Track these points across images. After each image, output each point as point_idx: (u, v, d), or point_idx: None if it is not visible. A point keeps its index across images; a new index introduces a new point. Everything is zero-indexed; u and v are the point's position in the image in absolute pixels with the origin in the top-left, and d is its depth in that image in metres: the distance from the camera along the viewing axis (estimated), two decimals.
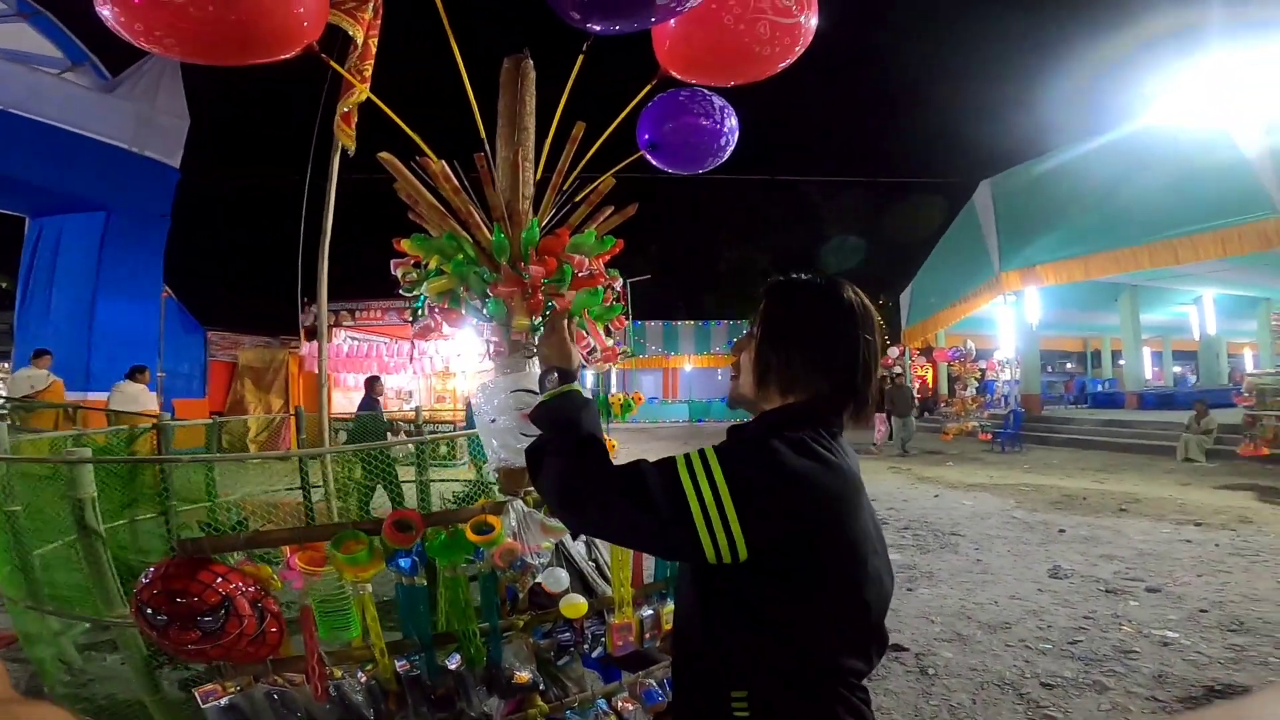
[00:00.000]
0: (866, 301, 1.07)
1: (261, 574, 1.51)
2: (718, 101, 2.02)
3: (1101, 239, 12.23)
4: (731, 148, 2.10)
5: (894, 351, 19.57)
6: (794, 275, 1.08)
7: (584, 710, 1.84)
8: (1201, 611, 3.77)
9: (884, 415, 13.30)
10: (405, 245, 1.69)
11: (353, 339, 13.91)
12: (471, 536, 1.63)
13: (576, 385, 1.14)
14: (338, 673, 1.58)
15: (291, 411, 5.61)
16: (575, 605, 1.78)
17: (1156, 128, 10.85)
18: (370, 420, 7.75)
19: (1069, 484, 8.69)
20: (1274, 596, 3.98)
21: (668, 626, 1.96)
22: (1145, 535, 5.77)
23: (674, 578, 2.04)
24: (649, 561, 2.02)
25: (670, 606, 2.00)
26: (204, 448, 6.49)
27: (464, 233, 1.66)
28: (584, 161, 1.82)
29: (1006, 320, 16.31)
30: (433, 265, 1.69)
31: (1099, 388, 21.77)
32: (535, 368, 1.68)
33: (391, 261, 1.77)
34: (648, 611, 1.96)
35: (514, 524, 1.71)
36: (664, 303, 30.21)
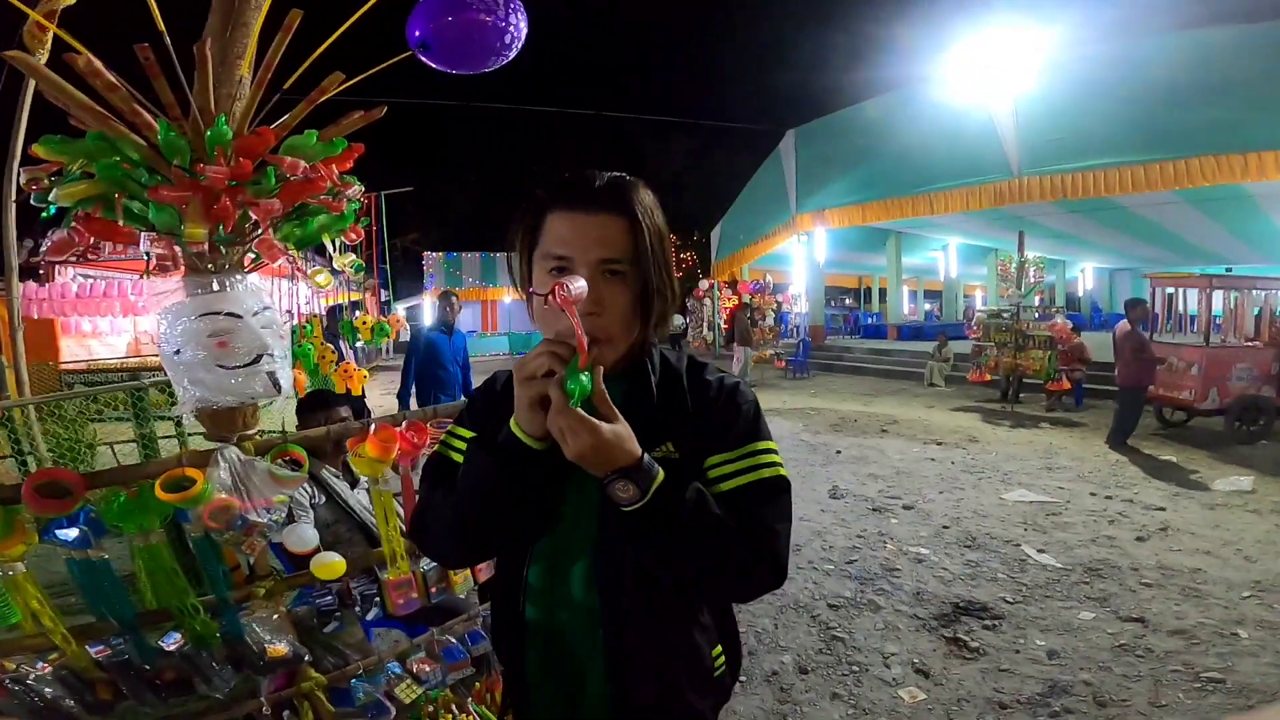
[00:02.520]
0: None
1: None
2: None
3: (877, 189, 13.75)
4: (518, 45, 1.96)
5: (705, 284, 20.64)
6: (620, 175, 0.90)
7: (372, 677, 1.69)
8: (944, 528, 4.52)
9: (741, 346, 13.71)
10: (39, 149, 1.36)
11: (85, 276, 11.31)
12: (162, 495, 1.35)
13: (658, 473, 0.82)
14: (9, 665, 1.32)
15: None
16: (329, 565, 1.59)
17: (931, 92, 12.20)
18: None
19: (844, 407, 9.94)
20: (996, 513, 4.89)
21: (457, 578, 1.85)
22: (900, 454, 6.78)
23: None
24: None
25: None
26: None
27: (129, 133, 1.39)
28: (314, 58, 1.64)
29: (799, 258, 17.91)
30: (75, 171, 1.37)
31: (869, 321, 25.06)
32: (233, 287, 1.48)
33: (20, 169, 1.47)
34: (429, 563, 1.81)
35: (227, 476, 1.44)
36: (483, 235, 28.77)
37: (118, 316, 11.17)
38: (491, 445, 0.86)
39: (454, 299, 5.60)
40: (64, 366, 9.74)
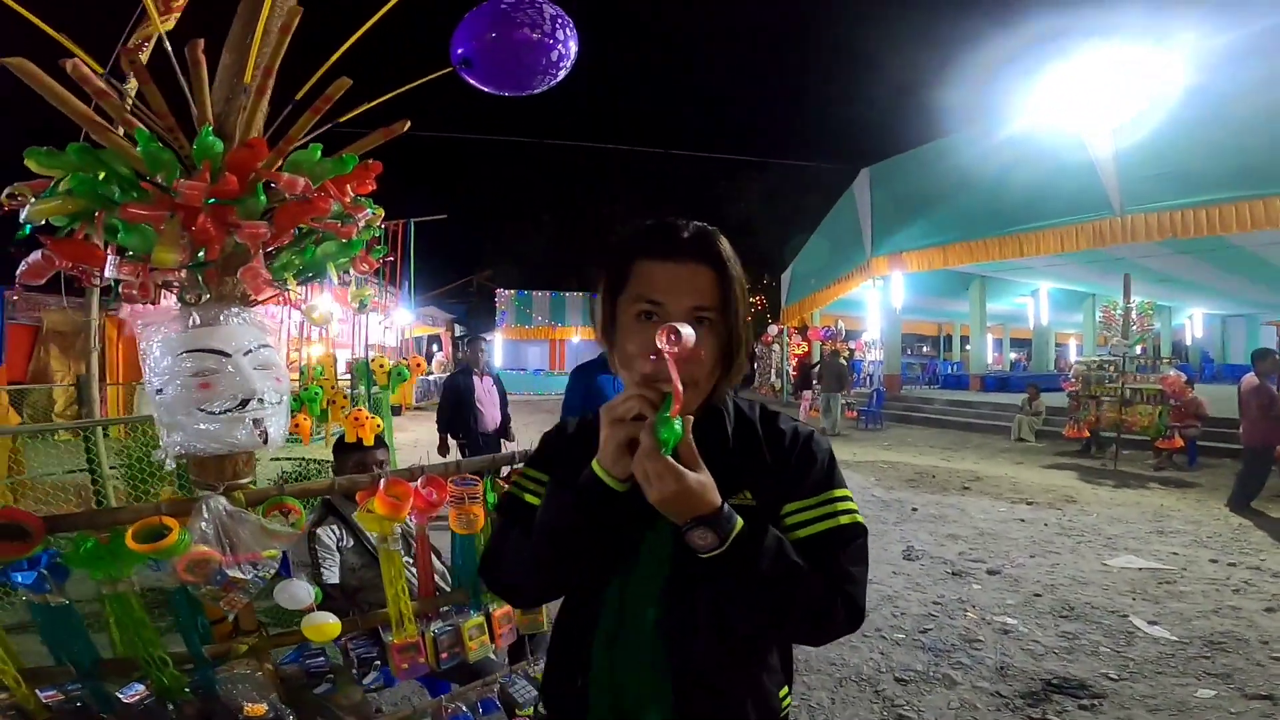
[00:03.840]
0: None
1: None
2: (549, 10, 1.73)
3: (959, 230, 13.10)
4: (567, 65, 1.83)
5: (773, 329, 20.24)
6: (706, 225, 0.92)
7: None
8: (1036, 596, 3.99)
9: (812, 392, 13.33)
10: (30, 162, 1.27)
11: None
12: (133, 545, 1.25)
13: (737, 522, 0.81)
14: None
15: (74, 381, 4.68)
16: (320, 627, 1.47)
17: (1018, 126, 11.63)
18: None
19: (921, 461, 9.28)
20: (1098, 580, 4.30)
21: (472, 644, 1.70)
22: (985, 514, 6.17)
23: (478, 585, 1.75)
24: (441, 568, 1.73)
25: (476, 620, 1.73)
26: None
27: (126, 145, 1.28)
28: (325, 68, 1.51)
29: (874, 303, 17.26)
30: (60, 187, 1.27)
31: (949, 370, 23.79)
32: (224, 321, 1.33)
33: (7, 190, 1.32)
34: (444, 626, 1.69)
35: (209, 527, 1.31)
36: (555, 274, 29.54)
37: None
38: (573, 486, 0.85)
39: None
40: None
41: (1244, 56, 8.95)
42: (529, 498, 1.00)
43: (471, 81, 1.92)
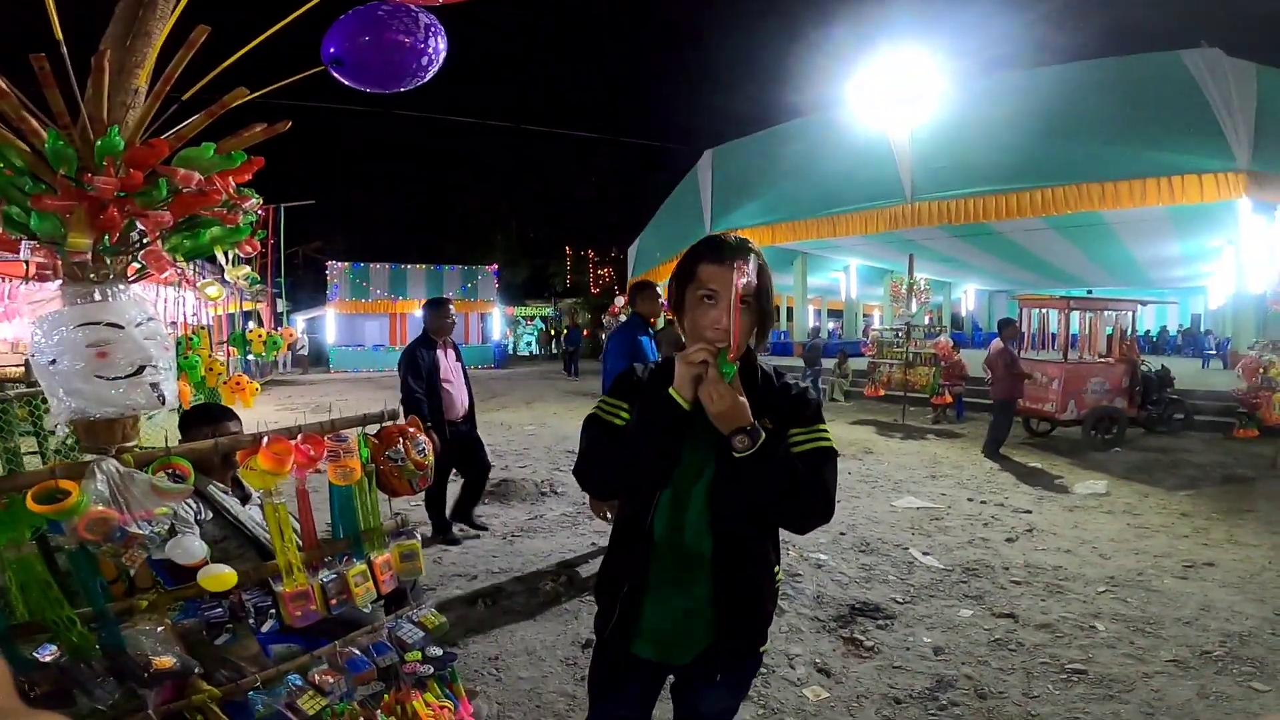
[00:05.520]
0: None
1: None
2: (424, 19, 1.87)
3: (785, 210, 14.39)
4: (434, 68, 1.96)
5: (620, 300, 20.85)
6: (740, 239, 1.30)
7: (271, 689, 1.64)
8: (841, 534, 4.79)
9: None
10: None
11: None
12: (34, 507, 1.32)
13: (762, 434, 1.22)
14: None
15: None
16: (218, 578, 1.57)
17: (838, 118, 12.91)
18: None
19: None
20: (887, 519, 5.23)
21: (358, 590, 1.82)
22: None
23: (358, 535, 1.91)
24: (322, 520, 1.85)
25: (359, 567, 1.85)
26: None
27: (15, 140, 1.39)
28: (217, 71, 1.65)
29: None
30: None
31: (777, 338, 26.11)
32: (114, 297, 1.48)
33: None
34: (329, 575, 1.78)
35: (104, 488, 1.41)
36: (394, 246, 27.78)
37: None
38: (659, 401, 1.24)
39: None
40: None
41: (1012, 65, 10.70)
42: (611, 419, 1.37)
43: (341, 79, 1.96)
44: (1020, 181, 10.36)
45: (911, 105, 11.03)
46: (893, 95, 11.12)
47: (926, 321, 13.39)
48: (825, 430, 1.34)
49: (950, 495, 5.92)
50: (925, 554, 4.39)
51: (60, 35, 1.42)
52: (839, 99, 12.73)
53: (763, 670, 2.95)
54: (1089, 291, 14.10)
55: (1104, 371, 8.36)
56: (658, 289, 4.65)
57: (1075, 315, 9.05)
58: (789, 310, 27.55)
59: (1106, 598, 3.73)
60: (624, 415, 1.37)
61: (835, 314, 31.68)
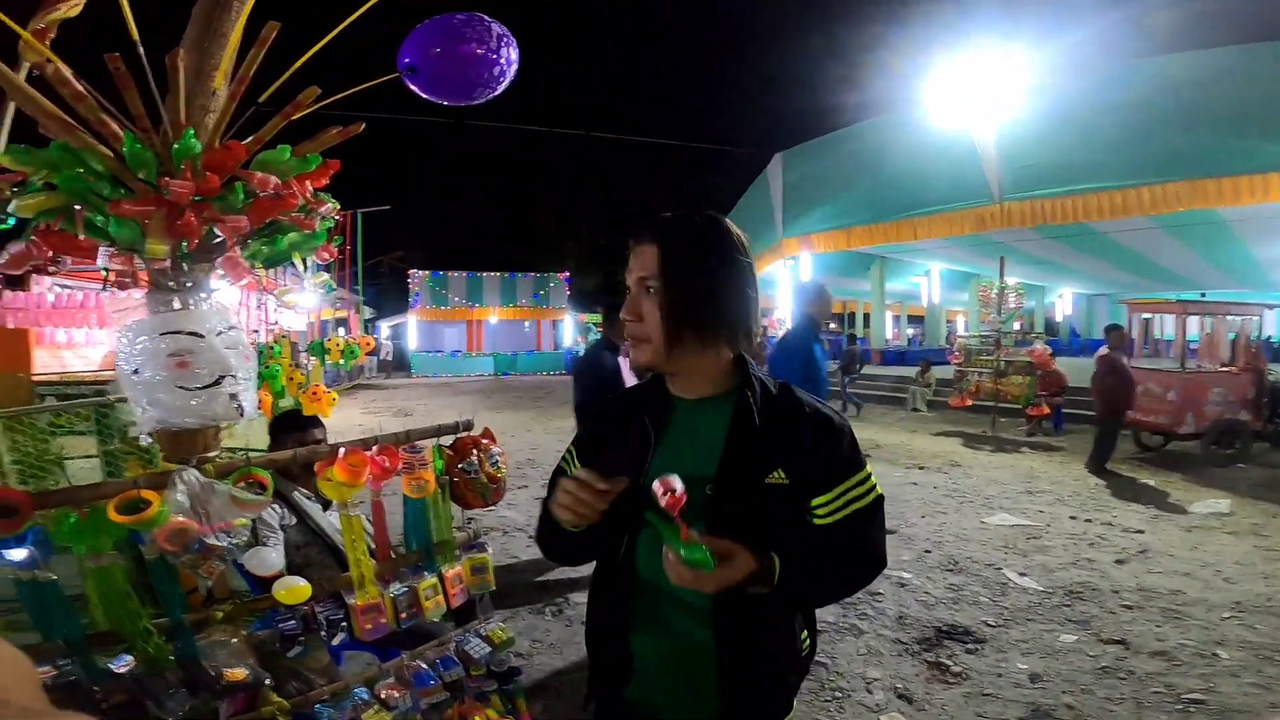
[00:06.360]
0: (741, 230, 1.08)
1: None
2: (496, 29, 1.84)
3: (862, 214, 13.90)
4: (507, 80, 1.94)
5: None
6: (680, 211, 1.04)
7: (338, 702, 1.64)
8: (926, 552, 4.50)
9: None
10: (3, 159, 1.34)
11: (63, 286, 11.13)
12: (115, 517, 1.31)
13: (775, 564, 0.98)
14: None
15: None
16: (293, 590, 1.55)
17: (916, 117, 12.40)
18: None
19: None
20: (977, 536, 4.89)
21: (428, 603, 1.80)
22: (883, 478, 6.71)
23: (431, 548, 1.88)
24: (396, 532, 1.83)
25: (430, 580, 1.83)
26: None
27: (97, 145, 1.36)
28: (290, 72, 1.62)
29: (785, 282, 18.04)
30: (37, 182, 1.35)
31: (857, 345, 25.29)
32: (194, 305, 1.45)
33: None
34: (400, 588, 1.77)
35: (185, 499, 1.40)
36: (471, 254, 28.76)
37: (93, 328, 10.98)
38: (547, 512, 1.07)
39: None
40: (37, 378, 9.54)
41: (1112, 58, 9.97)
42: (568, 469, 1.15)
43: (415, 89, 1.98)
44: (1125, 178, 9.63)
45: (996, 102, 10.45)
46: (975, 92, 10.57)
47: (1017, 327, 12.58)
48: (864, 479, 1.05)
49: (1049, 512, 5.48)
50: (1021, 575, 4.08)
51: (136, 36, 1.42)
52: (915, 97, 12.22)
53: (837, 694, 2.79)
54: (1203, 295, 12.88)
55: (1226, 381, 7.57)
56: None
57: (1193, 320, 8.25)
58: (866, 316, 26.62)
59: (1231, 624, 3.37)
60: (568, 462, 1.16)
61: (916, 320, 30.41)
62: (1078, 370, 10.18)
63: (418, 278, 23.52)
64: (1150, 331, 9.33)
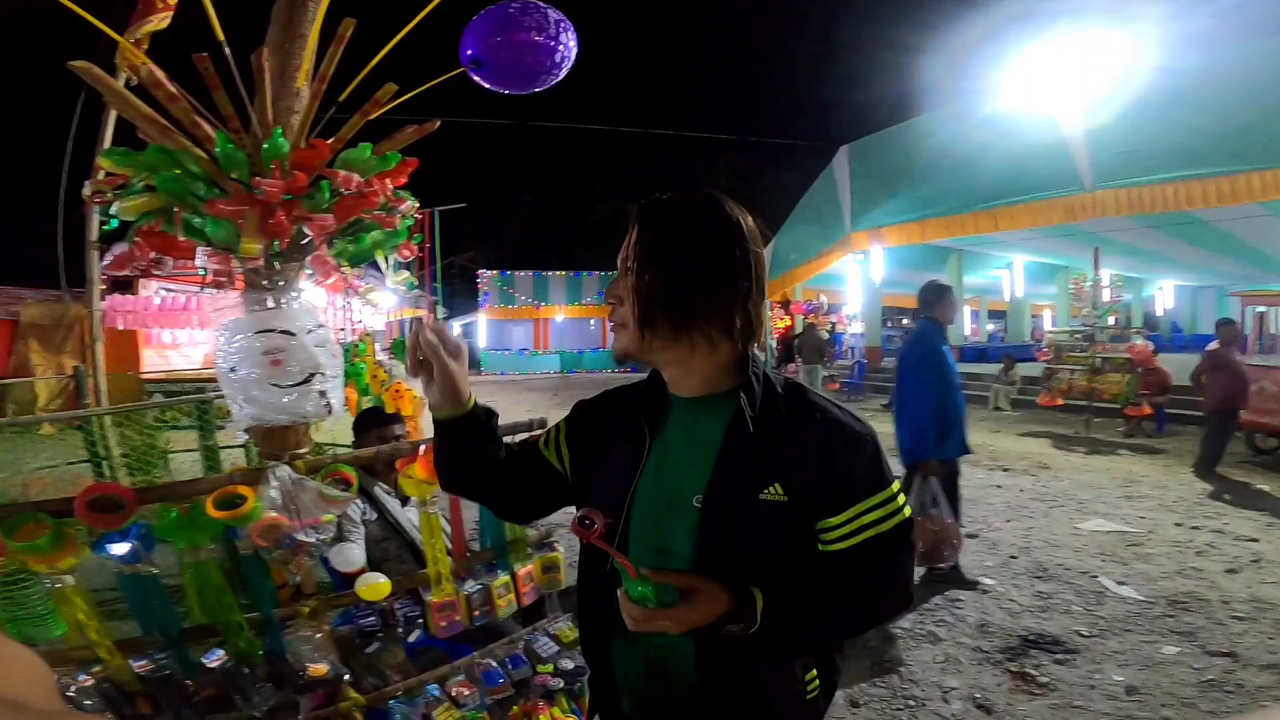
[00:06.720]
0: (746, 213, 0.96)
1: None
2: (553, 15, 1.83)
3: (937, 205, 13.29)
4: (568, 66, 1.93)
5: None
6: (664, 194, 0.95)
7: (411, 699, 1.67)
8: (1012, 558, 4.24)
9: (794, 364, 13.34)
10: (104, 162, 1.39)
11: (167, 290, 12.03)
12: (213, 513, 1.35)
13: (756, 600, 0.88)
14: None
15: (73, 373, 4.72)
16: (375, 586, 1.57)
17: (993, 104, 11.78)
18: None
19: None
20: (1070, 542, 4.57)
21: (501, 601, 1.82)
22: (964, 480, 6.40)
23: (504, 546, 1.88)
24: (471, 530, 1.84)
25: (503, 578, 1.84)
26: None
27: (191, 146, 1.39)
28: (367, 70, 1.62)
29: (854, 277, 17.50)
30: (137, 184, 1.38)
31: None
32: (286, 304, 1.47)
33: (86, 183, 1.45)
34: (474, 586, 1.79)
35: (277, 495, 1.43)
36: (535, 253, 29.32)
37: (195, 329, 11.82)
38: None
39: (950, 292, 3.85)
40: (145, 376, 10.35)
41: (1213, 40, 9.15)
42: (542, 443, 1.09)
43: (480, 81, 1.99)
44: (1231, 164, 8.84)
45: (1084, 87, 9.76)
46: (1061, 77, 9.91)
47: (1112, 322, 11.74)
48: (885, 500, 0.90)
49: (1151, 518, 5.07)
50: (1120, 583, 3.80)
51: (222, 37, 1.46)
52: (994, 85, 11.56)
53: (910, 703, 2.65)
54: None
55: None
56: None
57: None
58: None
59: None
60: (551, 439, 1.08)
61: (996, 315, 28.91)
62: (1181, 368, 9.40)
63: (486, 277, 24.16)
64: (1266, 326, 8.51)
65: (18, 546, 1.21)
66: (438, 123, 1.72)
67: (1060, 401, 9.95)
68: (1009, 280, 19.59)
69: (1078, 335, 10.09)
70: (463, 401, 1.00)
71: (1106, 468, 6.99)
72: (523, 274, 24.34)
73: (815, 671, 0.96)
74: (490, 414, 1.05)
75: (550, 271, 24.82)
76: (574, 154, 37.07)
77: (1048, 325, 21.83)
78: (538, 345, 24.37)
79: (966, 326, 23.47)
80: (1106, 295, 10.25)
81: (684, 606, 0.82)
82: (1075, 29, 9.79)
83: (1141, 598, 3.61)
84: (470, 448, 1.03)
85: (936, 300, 3.74)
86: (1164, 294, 24.66)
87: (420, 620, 1.73)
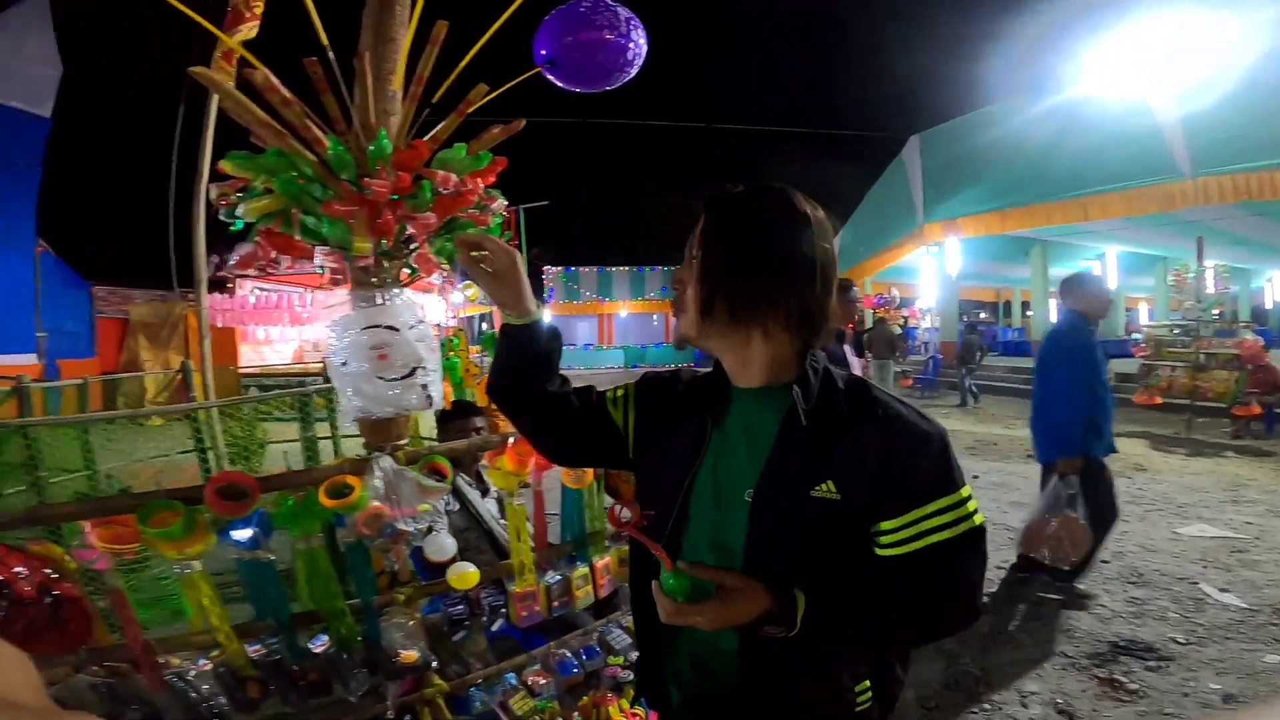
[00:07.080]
0: (818, 208, 0.94)
1: (51, 554, 1.28)
2: (623, 13, 1.83)
3: (1018, 194, 12.62)
4: (639, 63, 1.93)
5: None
6: (735, 186, 0.95)
7: (490, 687, 1.72)
8: (1104, 562, 4.00)
9: (864, 360, 13.07)
10: (226, 165, 1.45)
11: (261, 289, 12.86)
12: (325, 501, 1.41)
13: (799, 601, 0.87)
14: (175, 660, 1.39)
15: (180, 367, 5.13)
16: (465, 575, 1.62)
17: (1074, 93, 11.10)
18: None
19: (981, 429, 9.15)
20: (1168, 547, 4.28)
21: (579, 593, 1.85)
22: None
23: (584, 538, 1.91)
24: (553, 522, 1.87)
25: (582, 570, 1.87)
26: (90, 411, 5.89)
27: (303, 149, 1.45)
28: (458, 71, 1.66)
29: (928, 270, 16.84)
30: (258, 186, 1.45)
31: (1009, 336, 23.06)
32: (390, 301, 1.52)
33: (210, 186, 1.53)
34: (554, 577, 1.83)
35: (380, 484, 1.48)
36: (599, 249, 29.61)
37: (286, 326, 12.60)
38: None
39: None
40: (242, 371, 11.10)
41: None
42: (610, 399, 1.11)
43: (555, 80, 2.03)
44: None
45: (1178, 71, 9.05)
46: (1153, 61, 9.23)
47: (1216, 315, 10.87)
48: (953, 505, 0.85)
49: (1260, 524, 4.69)
50: (1222, 590, 3.55)
51: (326, 41, 1.52)
52: (1072, 72, 10.85)
53: (985, 706, 2.57)
54: None
55: None
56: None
57: None
58: (1024, 305, 24.24)
59: None
60: (619, 398, 1.09)
61: None
62: None
63: (551, 274, 24.59)
64: None
65: (154, 533, 1.28)
66: (523, 123, 1.74)
67: (1159, 400, 9.28)
68: (1100, 271, 18.36)
69: (1178, 330, 9.36)
70: (526, 309, 1.04)
71: (1210, 470, 6.49)
72: (587, 270, 24.64)
73: (868, 683, 0.92)
74: (555, 335, 1.09)
75: (614, 267, 25.04)
76: (638, 150, 37.17)
77: (1144, 319, 20.39)
78: (602, 340, 24.64)
79: (1047, 319, 22.18)
80: (1211, 287, 9.45)
81: (718, 604, 0.81)
82: (1173, 11, 9.08)
83: (1245, 605, 3.37)
84: (529, 360, 1.06)
85: (1082, 293, 3.62)
86: (1275, 285, 22.55)
87: (503, 610, 1.77)
